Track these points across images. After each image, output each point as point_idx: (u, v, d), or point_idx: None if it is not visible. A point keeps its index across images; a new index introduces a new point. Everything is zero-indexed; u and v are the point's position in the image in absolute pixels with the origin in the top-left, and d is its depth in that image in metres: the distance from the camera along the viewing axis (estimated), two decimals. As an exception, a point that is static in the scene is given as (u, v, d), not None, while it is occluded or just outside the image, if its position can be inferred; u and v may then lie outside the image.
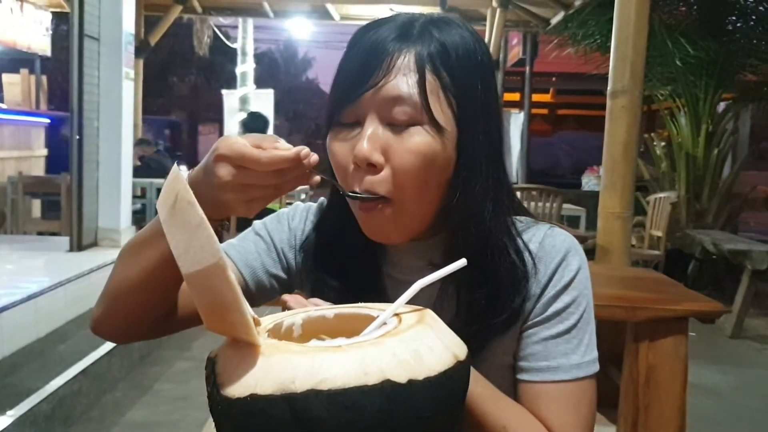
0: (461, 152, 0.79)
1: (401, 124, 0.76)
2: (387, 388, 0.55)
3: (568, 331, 0.82)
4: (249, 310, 0.61)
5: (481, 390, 0.76)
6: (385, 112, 0.76)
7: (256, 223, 0.98)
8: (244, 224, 5.15)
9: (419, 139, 0.76)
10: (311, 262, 0.92)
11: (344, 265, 0.88)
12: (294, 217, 0.97)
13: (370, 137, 0.76)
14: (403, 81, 0.76)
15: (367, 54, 0.77)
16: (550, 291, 0.82)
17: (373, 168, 0.76)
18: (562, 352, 0.81)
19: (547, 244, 0.84)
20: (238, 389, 0.56)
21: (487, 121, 0.80)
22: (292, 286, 0.98)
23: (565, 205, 5.84)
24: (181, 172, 0.62)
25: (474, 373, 0.75)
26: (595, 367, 0.83)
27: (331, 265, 0.89)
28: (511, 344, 0.84)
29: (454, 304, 0.83)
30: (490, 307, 0.81)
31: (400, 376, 0.56)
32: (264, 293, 0.94)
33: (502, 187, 0.84)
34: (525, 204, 5.53)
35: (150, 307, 0.82)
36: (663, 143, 7.02)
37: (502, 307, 0.81)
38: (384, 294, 0.87)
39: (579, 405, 0.81)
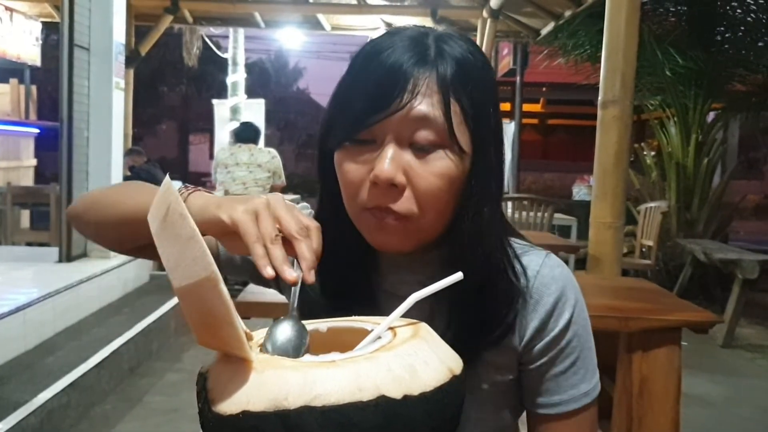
0: (475, 172, 0.79)
1: (423, 147, 0.76)
2: (382, 404, 0.54)
3: (573, 363, 0.85)
4: (241, 325, 0.60)
5: None
6: (407, 134, 0.75)
7: None
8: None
9: (443, 163, 0.76)
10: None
11: (336, 281, 0.86)
12: None
13: (392, 158, 0.75)
14: (428, 105, 0.74)
15: (385, 76, 0.75)
16: (552, 328, 0.84)
17: (393, 188, 0.75)
18: (572, 384, 0.85)
19: (546, 274, 0.85)
20: (230, 406, 0.55)
21: (498, 140, 0.82)
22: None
23: (556, 215, 5.85)
24: (173, 185, 0.61)
25: None
26: (598, 388, 0.87)
27: (322, 280, 0.86)
28: (505, 363, 0.85)
29: (445, 320, 0.82)
30: (483, 324, 0.82)
31: (396, 392, 0.55)
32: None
33: (501, 208, 0.85)
34: (516, 214, 5.49)
35: (121, 238, 0.88)
36: (653, 153, 7.06)
37: (496, 324, 0.82)
38: (377, 308, 0.85)
39: (588, 429, 0.86)
